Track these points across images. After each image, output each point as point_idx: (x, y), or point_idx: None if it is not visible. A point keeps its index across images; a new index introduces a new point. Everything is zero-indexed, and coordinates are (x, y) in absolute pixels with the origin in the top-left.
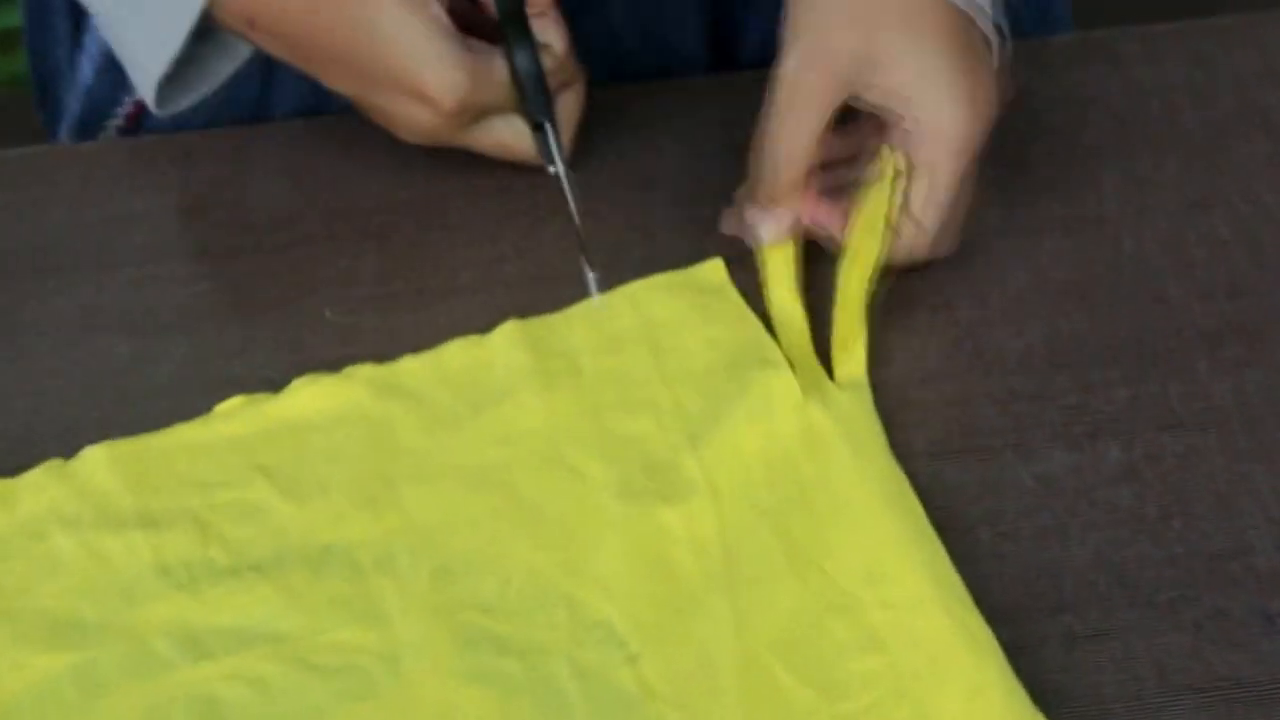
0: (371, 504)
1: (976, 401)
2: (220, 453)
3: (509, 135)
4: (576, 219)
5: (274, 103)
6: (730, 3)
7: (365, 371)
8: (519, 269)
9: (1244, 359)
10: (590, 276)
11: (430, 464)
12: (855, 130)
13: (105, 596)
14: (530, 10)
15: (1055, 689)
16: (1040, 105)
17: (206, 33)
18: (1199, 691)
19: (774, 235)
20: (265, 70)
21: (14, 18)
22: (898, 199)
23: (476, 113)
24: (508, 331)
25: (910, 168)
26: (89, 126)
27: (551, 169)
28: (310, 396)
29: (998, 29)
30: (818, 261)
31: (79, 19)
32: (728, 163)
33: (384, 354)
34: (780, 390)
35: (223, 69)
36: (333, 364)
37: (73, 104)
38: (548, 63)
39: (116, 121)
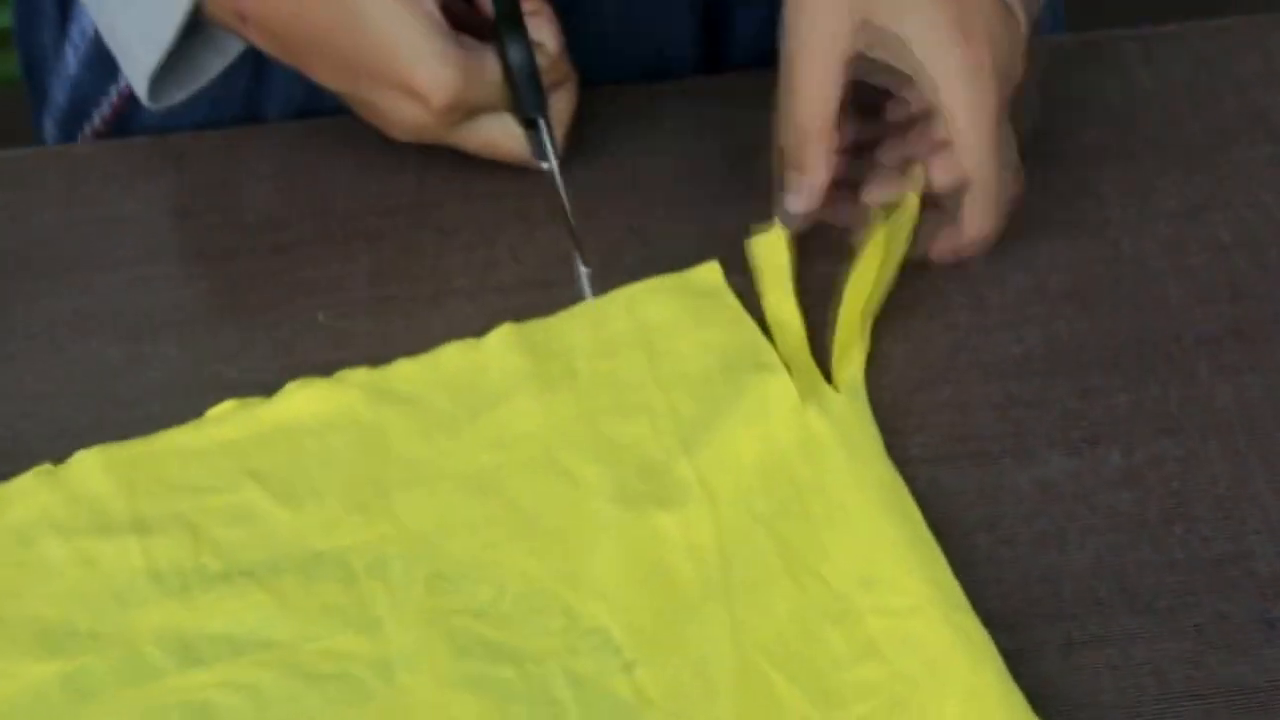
0: (365, 509)
1: (975, 406)
2: (212, 457)
3: (499, 134)
4: (570, 214)
5: (265, 99)
6: None
7: (359, 375)
8: (514, 273)
9: (1245, 363)
10: (583, 272)
11: (425, 469)
12: (876, 119)
13: (96, 603)
14: (524, 7)
15: (1054, 696)
16: (1039, 107)
17: (198, 28)
18: (1199, 698)
19: (804, 204)
20: (256, 67)
21: (5, 18)
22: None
23: (467, 110)
24: (503, 335)
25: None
26: (74, 118)
27: (544, 165)
28: (303, 400)
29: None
30: (815, 264)
31: (66, 8)
32: (724, 164)
33: (377, 358)
34: (777, 394)
35: (214, 64)
36: (326, 367)
37: (58, 94)
38: (541, 61)
39: (103, 112)
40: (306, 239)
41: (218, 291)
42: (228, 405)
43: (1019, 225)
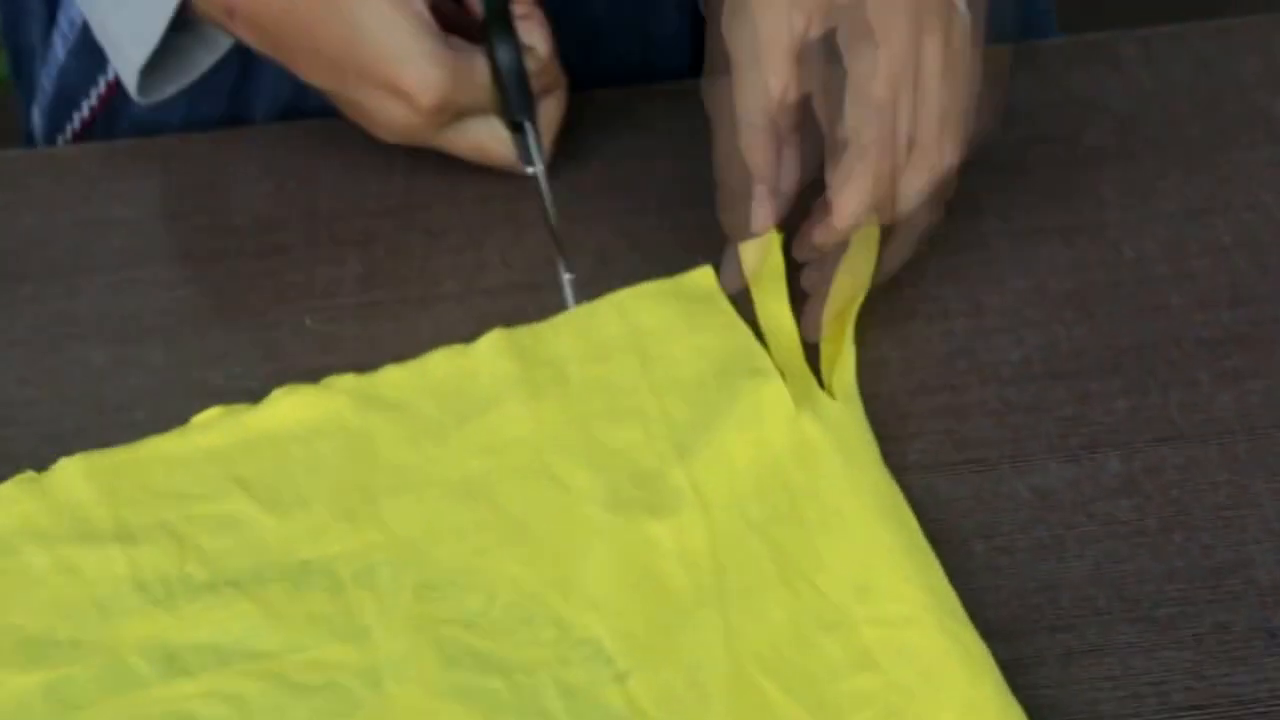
0: (352, 517)
1: (972, 412)
2: (198, 465)
3: (486, 137)
4: (553, 220)
5: (252, 96)
6: None
7: (346, 382)
8: (502, 276)
9: (1246, 369)
10: (565, 279)
11: (413, 476)
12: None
13: (80, 612)
14: (515, 10)
15: (1052, 707)
16: (1039, 109)
17: (187, 23)
18: (1199, 709)
19: (763, 221)
20: (244, 64)
21: None
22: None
23: (455, 112)
24: (493, 340)
25: None
26: (63, 107)
27: (530, 169)
28: (290, 407)
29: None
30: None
31: (53, 3)
32: None
33: (365, 363)
34: (770, 399)
35: (204, 59)
36: (313, 372)
37: (46, 83)
38: (530, 65)
39: (91, 102)
40: (294, 242)
41: (204, 295)
42: (213, 412)
43: (1017, 229)
